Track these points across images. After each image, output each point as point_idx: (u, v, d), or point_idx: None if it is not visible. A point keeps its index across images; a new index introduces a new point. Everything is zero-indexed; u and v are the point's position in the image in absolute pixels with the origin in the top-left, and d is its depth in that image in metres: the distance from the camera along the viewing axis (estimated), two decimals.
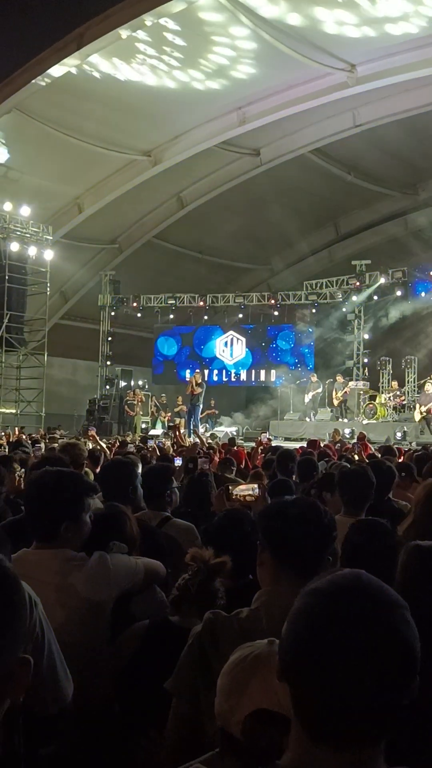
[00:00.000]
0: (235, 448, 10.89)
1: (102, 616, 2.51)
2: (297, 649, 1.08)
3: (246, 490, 3.66)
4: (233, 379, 26.58)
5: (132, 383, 25.41)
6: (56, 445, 10.10)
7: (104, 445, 9.08)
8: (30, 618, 1.84)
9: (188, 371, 25.59)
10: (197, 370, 23.61)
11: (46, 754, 2.08)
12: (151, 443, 12.38)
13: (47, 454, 6.07)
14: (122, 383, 24.82)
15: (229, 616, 2.01)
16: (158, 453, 7.34)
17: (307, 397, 22.51)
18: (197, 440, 11.96)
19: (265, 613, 1.96)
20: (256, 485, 3.74)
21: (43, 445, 9.44)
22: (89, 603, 2.46)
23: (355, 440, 12.71)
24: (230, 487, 3.72)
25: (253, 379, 26.42)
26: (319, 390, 22.33)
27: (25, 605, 1.09)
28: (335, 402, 21.85)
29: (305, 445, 11.28)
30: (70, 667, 2.25)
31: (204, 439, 11.65)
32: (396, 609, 1.08)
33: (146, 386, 25.70)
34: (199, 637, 1.99)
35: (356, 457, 8.44)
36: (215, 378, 26.47)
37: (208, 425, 22.82)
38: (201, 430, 20.58)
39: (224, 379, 26.60)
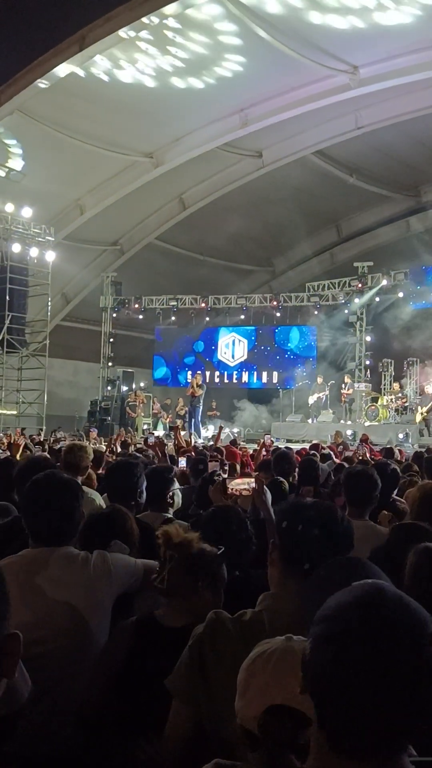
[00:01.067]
0: (236, 449, 10.89)
1: (103, 614, 2.51)
2: (322, 665, 1.08)
3: (242, 484, 3.66)
4: (235, 381, 26.57)
5: (133, 385, 25.40)
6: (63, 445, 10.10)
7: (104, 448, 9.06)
8: None
9: (189, 373, 25.60)
10: (198, 372, 23.62)
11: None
12: (152, 439, 12.38)
13: (33, 456, 6.04)
14: (124, 387, 24.78)
15: (232, 618, 1.99)
16: (159, 450, 7.30)
17: (312, 399, 22.53)
18: (199, 442, 11.97)
19: (269, 617, 1.94)
20: (252, 479, 3.73)
21: (46, 452, 9.37)
22: (91, 601, 2.47)
23: (357, 442, 12.71)
24: (227, 481, 3.72)
25: (254, 380, 26.41)
26: (326, 392, 22.37)
27: (4, 584, 1.13)
28: (342, 398, 22.01)
29: (307, 448, 11.28)
30: (72, 666, 2.24)
31: (218, 439, 11.65)
32: (420, 625, 1.07)
33: (147, 388, 25.71)
34: (200, 637, 1.98)
35: (362, 459, 8.42)
36: (217, 380, 26.47)
37: (212, 426, 22.79)
38: (203, 431, 20.59)
39: (226, 380, 26.59)
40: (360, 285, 22.89)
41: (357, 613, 1.07)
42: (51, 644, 2.29)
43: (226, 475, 6.11)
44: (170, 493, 4.10)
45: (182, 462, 7.31)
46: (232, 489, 3.60)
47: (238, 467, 8.00)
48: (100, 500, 4.47)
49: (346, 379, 22.26)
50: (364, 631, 1.05)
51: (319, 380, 22.71)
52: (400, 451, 11.32)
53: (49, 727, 2.32)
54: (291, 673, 1.43)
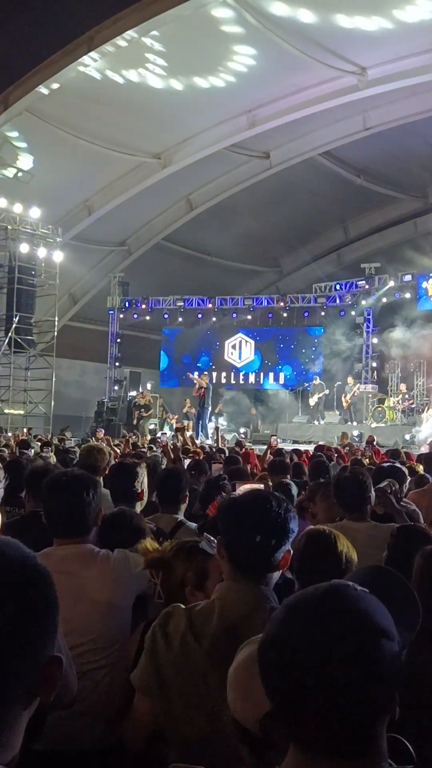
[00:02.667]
0: (243, 449, 10.88)
1: (123, 613, 2.55)
2: (269, 668, 1.08)
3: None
4: (241, 382, 26.56)
5: (140, 386, 25.43)
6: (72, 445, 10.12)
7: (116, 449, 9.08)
8: None
9: (195, 373, 25.63)
10: (204, 372, 23.61)
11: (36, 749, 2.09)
12: (164, 438, 12.38)
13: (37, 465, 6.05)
14: (132, 393, 24.79)
15: (185, 609, 2.02)
16: (170, 451, 7.31)
17: (313, 400, 22.51)
18: (207, 443, 11.96)
19: (219, 606, 1.96)
20: (261, 485, 3.74)
21: (53, 452, 9.36)
22: (111, 599, 2.51)
23: (364, 444, 12.68)
24: (237, 485, 3.73)
25: (261, 381, 26.40)
26: (326, 392, 22.32)
27: (56, 603, 1.08)
28: (344, 404, 21.85)
29: (312, 450, 11.28)
30: (95, 664, 2.27)
31: (220, 440, 11.65)
32: (372, 616, 1.06)
33: (154, 389, 25.72)
34: (153, 628, 2.02)
35: (367, 461, 8.42)
36: (223, 380, 26.47)
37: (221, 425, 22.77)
38: (211, 432, 20.54)
39: (232, 381, 26.59)
40: (367, 286, 22.87)
41: (307, 611, 1.07)
42: (73, 642, 2.31)
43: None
44: (184, 496, 4.13)
45: (186, 462, 7.31)
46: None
47: (248, 468, 7.97)
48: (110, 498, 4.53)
49: (350, 381, 22.16)
50: (311, 628, 1.04)
51: (316, 381, 22.69)
52: (407, 452, 11.30)
53: (78, 725, 2.35)
54: None
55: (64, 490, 2.62)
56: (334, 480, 4.33)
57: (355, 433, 18.48)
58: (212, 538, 2.68)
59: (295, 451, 10.14)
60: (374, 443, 12.30)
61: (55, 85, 17.13)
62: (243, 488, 3.65)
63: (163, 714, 1.94)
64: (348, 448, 12.54)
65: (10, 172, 20.78)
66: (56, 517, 2.63)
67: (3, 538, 1.07)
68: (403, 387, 21.84)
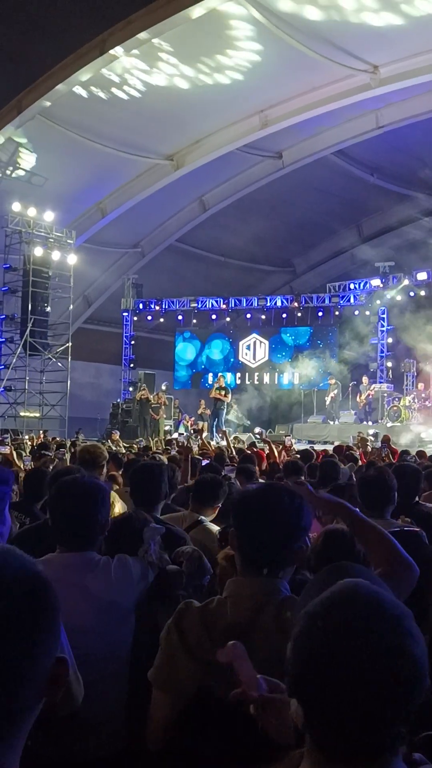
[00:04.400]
0: (256, 449, 10.88)
1: (124, 618, 2.53)
2: (300, 670, 1.08)
3: None
4: (256, 382, 26.53)
5: (155, 388, 25.45)
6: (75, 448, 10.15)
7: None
8: None
9: (210, 375, 25.63)
10: (220, 374, 23.57)
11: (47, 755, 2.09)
12: (182, 438, 12.35)
13: (60, 468, 6.09)
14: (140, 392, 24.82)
15: (199, 606, 2.03)
16: (185, 454, 7.32)
17: (327, 400, 22.45)
18: (222, 444, 11.94)
19: (231, 602, 1.96)
20: None
21: (68, 453, 9.44)
22: (111, 605, 2.50)
23: (379, 443, 12.62)
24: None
25: (275, 381, 26.35)
26: (336, 392, 22.25)
27: (58, 608, 1.10)
28: (359, 404, 21.79)
29: (326, 450, 11.27)
30: (90, 673, 2.26)
31: (230, 443, 11.62)
32: (394, 619, 1.06)
33: (168, 390, 25.74)
34: (168, 627, 2.02)
35: (386, 460, 8.37)
36: (238, 381, 26.45)
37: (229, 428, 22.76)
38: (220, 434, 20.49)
39: (247, 382, 26.56)
40: (381, 285, 22.77)
41: (328, 614, 1.08)
42: (76, 649, 2.31)
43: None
44: (219, 499, 4.24)
45: (204, 463, 7.30)
46: None
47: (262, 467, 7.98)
48: (117, 504, 4.58)
49: (365, 381, 22.08)
50: (335, 630, 1.05)
51: (331, 381, 22.62)
52: (421, 452, 11.24)
53: (86, 731, 2.35)
54: None
55: (71, 500, 2.59)
56: (359, 479, 4.32)
57: (371, 432, 18.39)
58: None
59: (305, 451, 10.10)
60: (389, 442, 12.22)
61: (67, 89, 17.20)
62: None
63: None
64: (363, 447, 12.47)
65: (23, 176, 20.86)
66: (61, 526, 2.61)
67: (4, 547, 1.10)
68: (420, 386, 21.72)
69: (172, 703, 1.97)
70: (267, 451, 9.67)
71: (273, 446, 9.87)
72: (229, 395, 21.18)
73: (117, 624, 2.50)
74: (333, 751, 1.05)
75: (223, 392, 20.92)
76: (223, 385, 21.22)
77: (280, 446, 11.06)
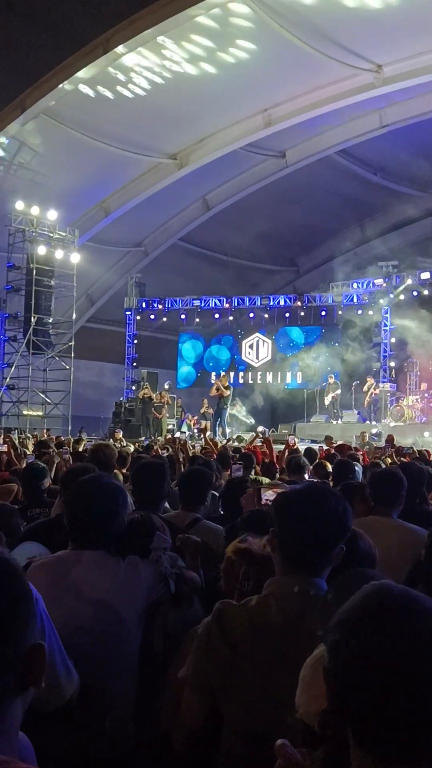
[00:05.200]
0: (254, 447, 10.86)
1: (133, 618, 2.51)
2: (339, 672, 1.07)
3: (274, 495, 3.63)
4: (259, 381, 26.52)
5: (157, 387, 25.44)
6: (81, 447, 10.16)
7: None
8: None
9: (213, 374, 25.59)
10: (223, 373, 23.55)
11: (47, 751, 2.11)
12: (184, 436, 12.33)
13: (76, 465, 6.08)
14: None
15: (239, 605, 2.01)
16: (182, 450, 7.31)
17: (327, 399, 22.42)
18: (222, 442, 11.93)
19: (275, 601, 1.96)
20: (286, 486, 3.70)
21: (69, 452, 9.41)
22: (119, 604, 2.47)
23: (383, 443, 12.61)
24: (262, 490, 3.70)
25: (279, 381, 26.33)
26: (338, 391, 22.23)
27: (30, 595, 1.13)
28: (365, 403, 21.81)
29: (324, 447, 11.25)
30: (93, 672, 2.25)
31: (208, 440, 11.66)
32: (429, 612, 1.06)
33: (171, 389, 25.74)
34: (208, 627, 1.99)
35: (389, 460, 8.36)
36: (241, 380, 26.43)
37: (233, 428, 22.74)
38: (228, 433, 20.48)
39: (250, 381, 26.55)
40: (385, 284, 22.74)
41: (365, 616, 1.07)
42: (78, 643, 2.30)
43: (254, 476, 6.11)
44: (206, 495, 4.12)
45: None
46: (266, 501, 3.58)
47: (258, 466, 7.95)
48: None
49: (370, 380, 22.08)
50: (373, 632, 1.04)
51: (331, 380, 22.60)
52: (427, 451, 11.21)
53: (93, 729, 2.34)
54: None
55: (93, 499, 2.59)
56: (369, 476, 4.31)
57: (374, 431, 18.37)
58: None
59: (309, 449, 10.07)
60: (393, 442, 12.21)
61: (71, 87, 17.20)
62: (269, 493, 3.63)
63: (224, 706, 1.93)
64: (367, 446, 12.47)
65: (27, 174, 20.87)
66: (80, 524, 2.60)
67: None
68: (423, 386, 21.71)
69: (205, 703, 1.97)
70: (263, 450, 9.64)
71: (271, 446, 9.84)
72: (229, 390, 21.05)
73: (122, 625, 2.47)
74: (376, 755, 1.04)
75: (227, 391, 20.80)
76: (226, 384, 21.13)
77: (284, 445, 11.04)
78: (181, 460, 7.58)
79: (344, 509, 2.02)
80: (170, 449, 9.56)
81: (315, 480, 5.88)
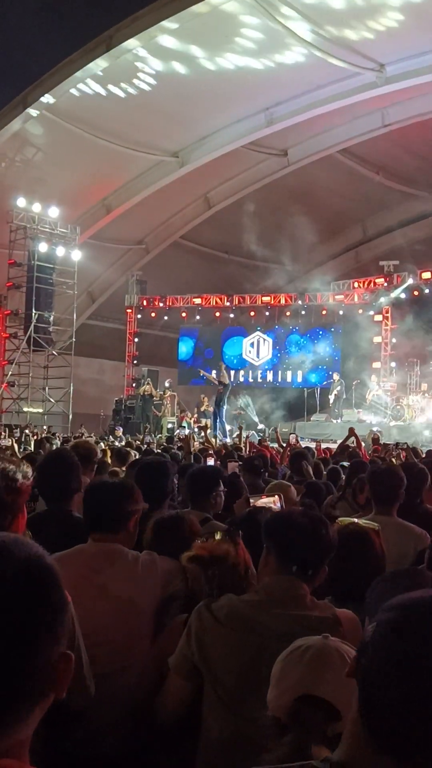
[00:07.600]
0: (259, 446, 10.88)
1: (146, 613, 2.52)
2: (380, 651, 1.03)
3: (267, 503, 3.64)
4: (259, 380, 26.52)
5: (158, 384, 25.45)
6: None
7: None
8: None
9: (213, 372, 25.56)
10: (223, 365, 23.36)
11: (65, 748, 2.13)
12: (182, 433, 12.35)
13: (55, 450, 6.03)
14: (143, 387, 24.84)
15: (234, 597, 2.12)
16: (185, 445, 7.32)
17: (331, 398, 22.45)
18: (227, 442, 11.95)
19: (269, 599, 2.08)
20: (276, 497, 3.72)
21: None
22: (135, 599, 2.50)
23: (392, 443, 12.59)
24: (251, 500, 3.72)
25: (279, 379, 26.33)
26: (339, 388, 22.23)
27: (66, 602, 1.08)
28: (367, 402, 21.84)
29: (330, 449, 11.25)
30: (120, 663, 2.27)
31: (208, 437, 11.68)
32: None
33: (172, 386, 25.75)
34: (199, 611, 2.13)
35: (387, 459, 8.36)
36: (241, 379, 26.43)
37: (234, 426, 22.72)
38: (229, 430, 20.46)
39: (250, 380, 26.55)
40: (386, 284, 22.75)
41: (428, 608, 1.04)
42: (96, 638, 2.31)
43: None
44: (215, 494, 4.09)
45: (209, 462, 7.30)
46: (253, 503, 3.59)
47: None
48: None
49: (373, 379, 22.10)
50: (417, 641, 1.00)
51: (336, 377, 22.62)
52: (429, 451, 11.22)
53: (106, 725, 2.35)
54: (326, 668, 1.49)
55: (107, 492, 2.69)
56: (369, 473, 4.30)
57: (375, 430, 18.37)
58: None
59: (308, 449, 10.08)
60: (379, 441, 12.20)
61: (74, 85, 17.20)
62: (259, 503, 3.63)
63: (207, 700, 2.05)
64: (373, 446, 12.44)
65: (28, 171, 20.87)
66: (94, 515, 2.68)
67: (11, 536, 1.06)
68: (424, 385, 21.71)
69: (186, 687, 2.12)
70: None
71: (267, 449, 9.86)
72: (225, 376, 20.75)
73: (140, 619, 2.49)
74: (386, 746, 1.01)
75: (221, 387, 20.51)
76: (226, 381, 20.92)
77: (286, 444, 11.05)
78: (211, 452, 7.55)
79: (334, 536, 2.25)
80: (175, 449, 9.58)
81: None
